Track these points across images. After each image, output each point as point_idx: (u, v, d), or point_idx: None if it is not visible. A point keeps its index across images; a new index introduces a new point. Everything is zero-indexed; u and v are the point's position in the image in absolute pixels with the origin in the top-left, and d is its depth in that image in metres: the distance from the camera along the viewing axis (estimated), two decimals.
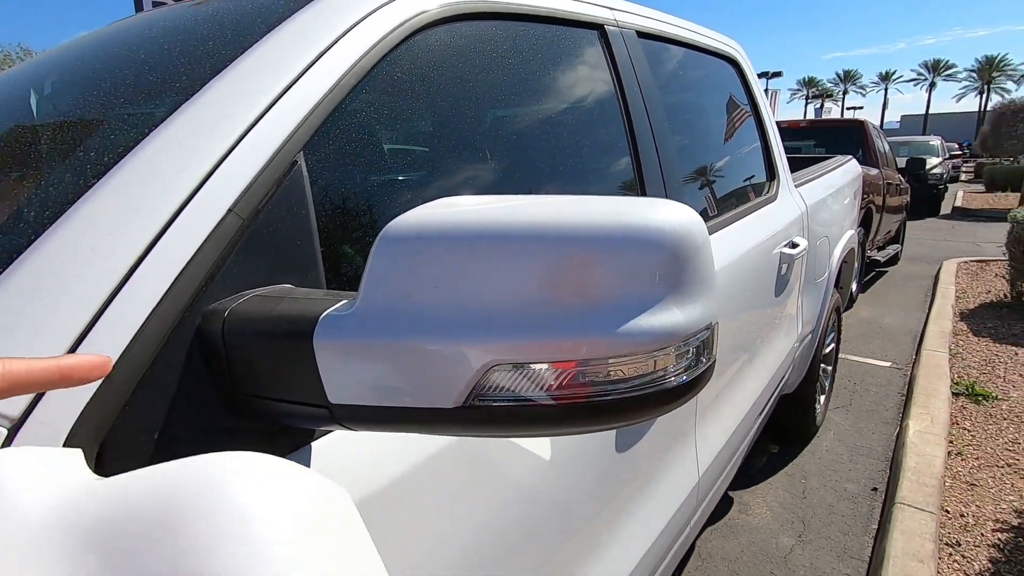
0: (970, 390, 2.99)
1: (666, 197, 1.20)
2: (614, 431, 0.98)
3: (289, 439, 0.53)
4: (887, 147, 6.23)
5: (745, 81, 1.97)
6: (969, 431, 2.63)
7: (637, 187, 1.15)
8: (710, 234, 1.33)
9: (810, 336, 2.22)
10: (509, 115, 0.93)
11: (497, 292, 0.38)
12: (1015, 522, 1.99)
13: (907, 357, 3.63)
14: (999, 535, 1.93)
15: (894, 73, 78.89)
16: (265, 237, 0.54)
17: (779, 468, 2.45)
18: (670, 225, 0.38)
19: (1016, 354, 3.49)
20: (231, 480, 0.26)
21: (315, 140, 0.61)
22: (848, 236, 2.65)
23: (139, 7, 4.72)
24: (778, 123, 5.10)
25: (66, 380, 0.32)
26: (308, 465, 0.54)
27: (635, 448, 1.03)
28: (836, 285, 2.50)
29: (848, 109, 73.84)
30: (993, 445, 2.50)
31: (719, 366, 1.36)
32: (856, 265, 3.48)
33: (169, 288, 0.46)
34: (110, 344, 0.43)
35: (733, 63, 1.91)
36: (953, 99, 71.79)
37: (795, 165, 2.88)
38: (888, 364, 3.54)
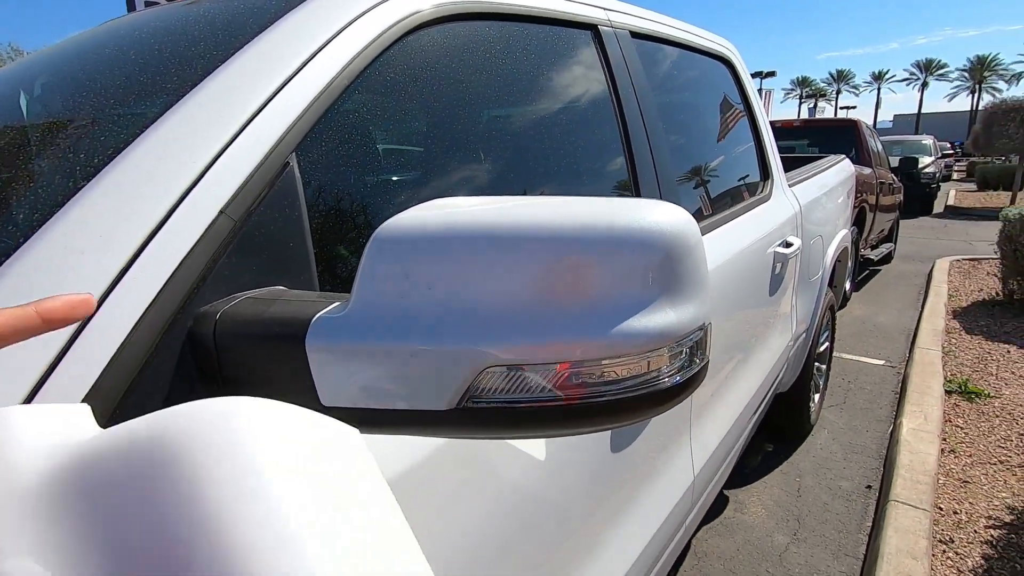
0: (963, 388, 3.01)
1: (660, 197, 1.20)
2: (609, 431, 0.98)
3: None
4: (880, 146, 6.26)
5: (739, 81, 1.98)
6: (962, 428, 2.64)
7: (631, 187, 1.15)
8: (704, 234, 1.33)
9: (804, 335, 2.23)
10: (503, 115, 0.93)
11: (491, 294, 0.38)
12: (1008, 519, 2.00)
13: (900, 355, 3.65)
14: (992, 532, 1.94)
15: (887, 73, 79.36)
16: (257, 239, 0.54)
17: (774, 467, 2.46)
18: (663, 226, 0.38)
19: (1008, 352, 3.52)
20: (235, 419, 0.26)
21: (308, 141, 0.61)
22: (842, 235, 2.66)
23: (131, 7, 4.70)
24: (772, 123, 5.12)
25: (49, 324, 0.30)
26: None
27: (630, 448, 1.03)
28: (830, 284, 2.51)
29: (841, 109, 74.31)
30: (986, 442, 2.52)
31: (713, 366, 1.36)
32: (850, 264, 3.50)
33: (160, 291, 0.46)
34: (100, 348, 0.42)
35: (727, 63, 1.92)
36: (945, 99, 72.31)
37: (789, 164, 2.89)
38: (882, 362, 3.56)
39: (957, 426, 2.67)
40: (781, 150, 2.40)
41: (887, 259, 6.31)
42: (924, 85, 71.84)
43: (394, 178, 0.76)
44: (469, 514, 0.68)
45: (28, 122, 0.78)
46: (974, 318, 4.20)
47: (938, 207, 11.26)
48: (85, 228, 0.45)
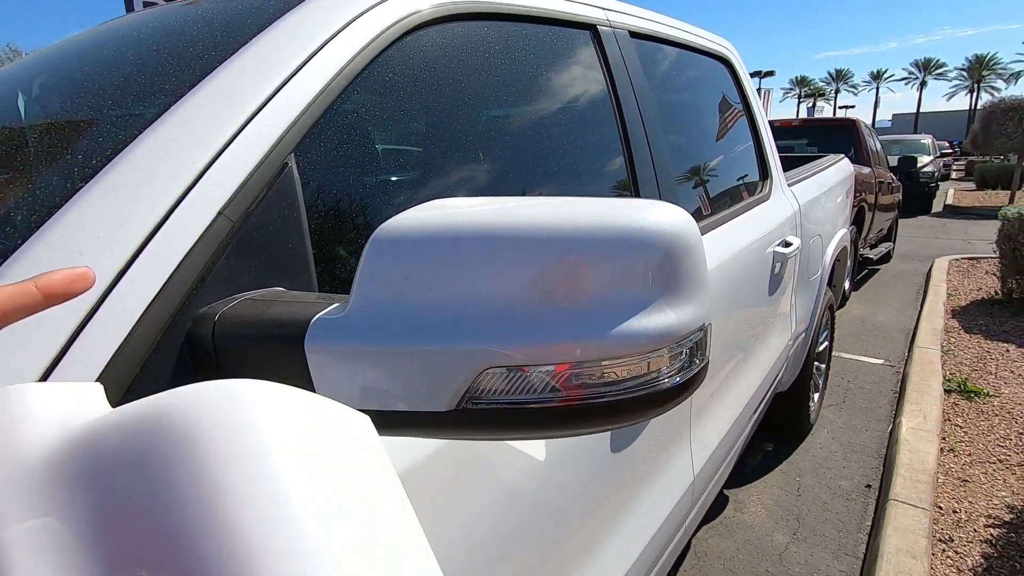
0: (962, 387, 3.01)
1: (659, 197, 1.20)
2: (609, 432, 0.97)
3: None
4: (879, 146, 6.27)
5: (738, 80, 1.98)
6: (961, 427, 2.65)
7: (630, 187, 1.15)
8: (703, 233, 1.33)
9: (803, 334, 2.23)
10: (502, 116, 0.93)
11: (490, 295, 0.38)
12: (1007, 518, 2.00)
13: (900, 354, 3.65)
14: (991, 531, 1.94)
15: (885, 72, 79.46)
16: (256, 240, 0.54)
17: (774, 466, 2.46)
18: (662, 226, 0.38)
19: (1007, 351, 3.52)
20: (244, 401, 0.26)
21: (306, 141, 0.60)
22: (841, 234, 2.66)
23: (129, 7, 4.68)
24: (771, 122, 5.11)
25: (49, 299, 0.29)
26: None
27: (630, 448, 1.03)
28: (829, 283, 2.51)
29: (840, 108, 74.36)
30: (985, 441, 2.52)
31: (713, 365, 1.36)
32: (849, 263, 3.50)
33: (159, 292, 0.46)
34: (99, 350, 0.42)
35: (726, 63, 1.92)
36: (944, 98, 72.39)
37: (788, 164, 2.89)
38: (881, 362, 3.56)
39: (956, 425, 2.67)
40: (780, 149, 2.40)
41: (886, 258, 6.31)
42: (923, 84, 71.91)
43: (393, 179, 0.76)
44: (469, 514, 0.68)
45: (26, 123, 0.78)
46: (973, 317, 4.20)
47: (937, 206, 11.27)
48: (83, 229, 0.45)
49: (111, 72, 0.77)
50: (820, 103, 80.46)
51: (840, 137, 5.63)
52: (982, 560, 1.81)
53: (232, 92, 0.57)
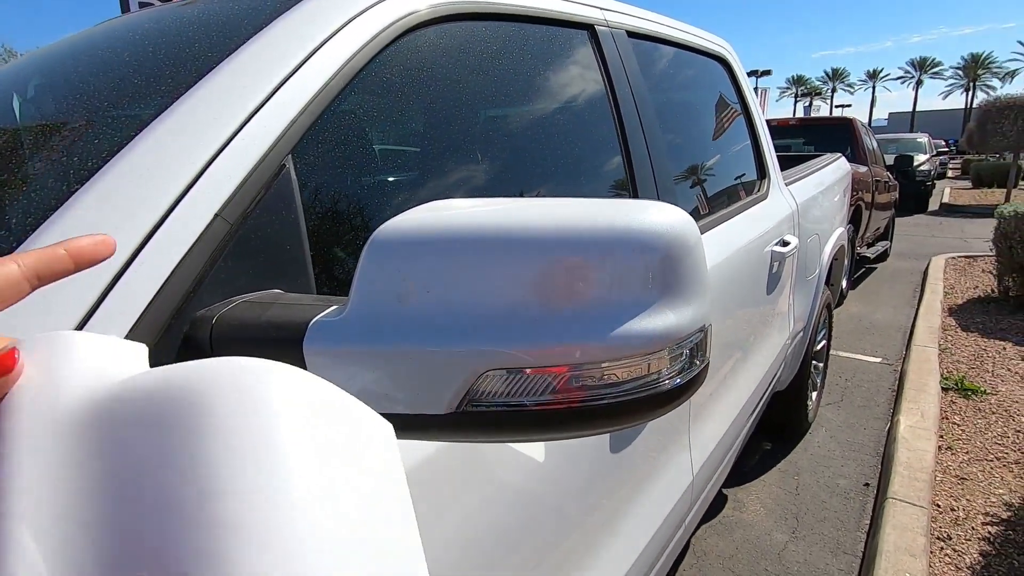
0: (959, 385, 3.02)
1: (657, 196, 1.20)
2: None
3: None
4: (875, 144, 6.28)
5: (735, 80, 1.98)
6: (959, 425, 2.65)
7: (628, 186, 1.15)
8: (702, 233, 1.33)
9: (801, 333, 2.23)
10: (500, 116, 0.93)
11: (489, 296, 0.38)
12: (1005, 515, 2.01)
13: (897, 353, 3.66)
14: (989, 528, 1.95)
15: (881, 71, 79.61)
16: (253, 242, 0.53)
17: (772, 465, 2.46)
18: (662, 227, 0.37)
19: (1004, 348, 3.53)
20: (262, 382, 0.26)
21: (304, 142, 0.60)
22: (838, 233, 2.67)
23: (125, 8, 4.67)
24: (768, 121, 5.12)
25: (78, 264, 0.31)
26: None
27: (629, 448, 1.03)
28: (827, 282, 2.52)
29: (837, 107, 74.46)
30: (982, 439, 2.53)
31: (712, 365, 1.36)
32: (846, 262, 3.51)
33: (156, 295, 0.46)
34: None
35: (723, 62, 1.92)
36: (940, 96, 72.72)
37: (785, 163, 2.89)
38: (879, 360, 3.57)
39: (954, 423, 2.68)
40: (777, 149, 2.41)
41: (883, 257, 6.33)
42: (919, 83, 72.10)
43: (391, 179, 0.75)
44: (468, 515, 0.68)
45: (21, 124, 0.78)
46: (970, 315, 4.21)
47: (933, 205, 11.30)
48: (79, 232, 0.45)
49: (107, 73, 0.76)
50: (817, 102, 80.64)
51: (837, 136, 5.64)
52: (980, 558, 1.81)
53: (229, 93, 0.56)
